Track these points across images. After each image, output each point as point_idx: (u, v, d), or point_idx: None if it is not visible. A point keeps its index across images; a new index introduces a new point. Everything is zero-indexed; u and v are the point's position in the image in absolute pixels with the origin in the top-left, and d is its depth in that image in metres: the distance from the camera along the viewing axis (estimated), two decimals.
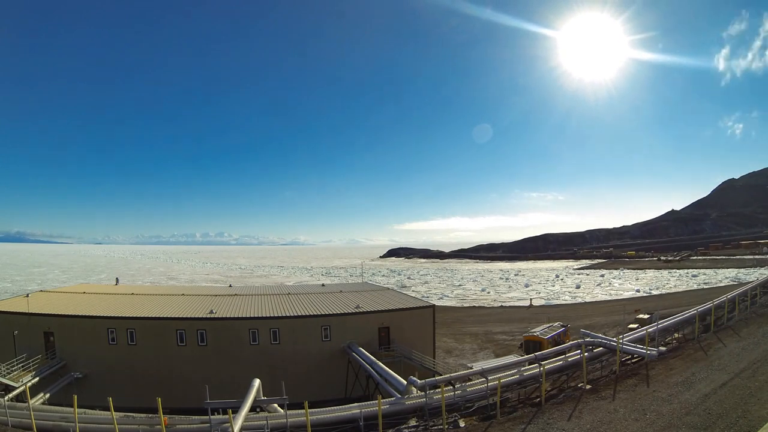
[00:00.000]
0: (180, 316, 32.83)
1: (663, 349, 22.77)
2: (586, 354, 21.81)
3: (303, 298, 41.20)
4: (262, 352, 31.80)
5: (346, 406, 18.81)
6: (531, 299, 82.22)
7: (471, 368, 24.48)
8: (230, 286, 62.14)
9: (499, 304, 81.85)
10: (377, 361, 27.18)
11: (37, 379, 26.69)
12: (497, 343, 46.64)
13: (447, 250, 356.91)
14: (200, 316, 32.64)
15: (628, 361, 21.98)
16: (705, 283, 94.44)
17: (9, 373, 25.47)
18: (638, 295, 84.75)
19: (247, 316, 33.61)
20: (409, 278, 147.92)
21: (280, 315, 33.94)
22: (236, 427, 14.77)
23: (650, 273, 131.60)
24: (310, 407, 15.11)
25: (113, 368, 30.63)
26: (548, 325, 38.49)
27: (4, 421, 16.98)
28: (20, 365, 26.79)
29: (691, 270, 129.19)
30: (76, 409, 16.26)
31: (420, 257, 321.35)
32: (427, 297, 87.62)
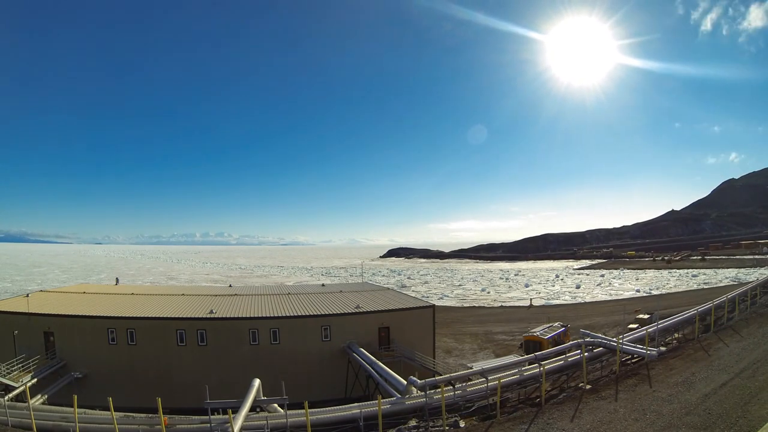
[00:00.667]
0: (180, 316, 32.82)
1: (663, 349, 22.78)
2: (586, 354, 21.81)
3: (303, 298, 41.20)
4: (262, 352, 31.80)
5: (346, 406, 18.80)
6: (531, 299, 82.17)
7: (471, 368, 24.45)
8: (230, 286, 62.15)
9: (499, 304, 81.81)
10: (377, 361, 27.18)
11: (36, 379, 26.70)
12: (497, 343, 46.62)
13: (447, 250, 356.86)
14: (200, 316, 32.64)
15: (628, 361, 21.99)
16: (705, 283, 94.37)
17: (9, 373, 25.46)
18: (638, 295, 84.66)
19: (247, 316, 33.60)
20: (409, 278, 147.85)
21: (280, 315, 33.94)
22: (236, 427, 14.77)
23: (650, 273, 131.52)
24: (310, 407, 15.11)
25: (113, 368, 30.62)
26: (548, 325, 38.46)
27: (4, 421, 16.98)
28: (20, 365, 26.79)
29: (691, 270, 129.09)
30: (76, 409, 16.26)
31: (420, 257, 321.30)
32: (427, 297, 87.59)
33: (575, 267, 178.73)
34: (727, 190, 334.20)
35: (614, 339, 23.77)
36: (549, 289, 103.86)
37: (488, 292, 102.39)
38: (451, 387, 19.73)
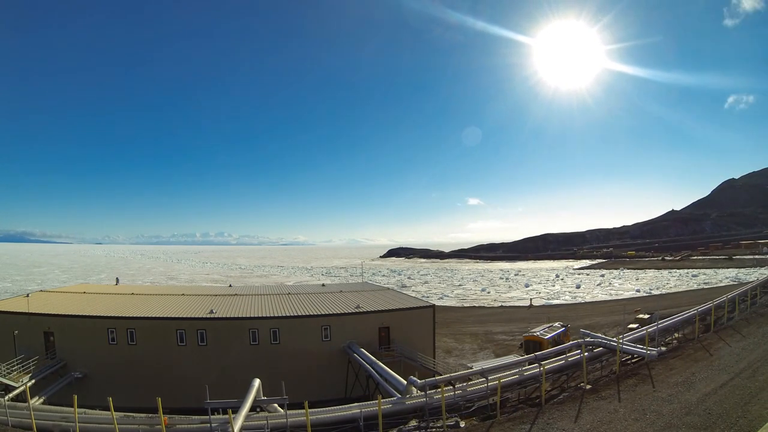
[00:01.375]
0: (180, 316, 32.82)
1: (663, 349, 22.79)
2: (586, 354, 21.81)
3: (303, 298, 41.20)
4: (262, 352, 31.79)
5: (346, 406, 18.79)
6: (531, 299, 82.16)
7: (471, 368, 24.45)
8: (230, 286, 62.14)
9: (499, 304, 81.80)
10: (377, 361, 27.18)
11: (36, 378, 26.70)
12: (497, 343, 46.62)
13: (447, 250, 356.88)
14: (200, 316, 32.63)
15: (628, 361, 22.00)
16: (705, 283, 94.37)
17: (9, 373, 25.47)
18: (638, 295, 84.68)
19: (247, 316, 33.59)
20: (409, 278, 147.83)
21: (280, 315, 33.93)
22: (236, 427, 14.77)
23: (650, 273, 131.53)
24: (310, 407, 15.10)
25: (113, 368, 30.61)
26: (548, 325, 38.46)
27: (4, 421, 16.98)
28: (20, 365, 26.79)
29: (691, 270, 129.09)
30: (76, 409, 16.26)
31: (420, 257, 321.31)
32: (427, 297, 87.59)
33: (575, 267, 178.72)
34: (727, 190, 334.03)
35: (614, 339, 23.77)
36: (549, 289, 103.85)
37: (488, 292, 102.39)
38: (451, 387, 19.72)
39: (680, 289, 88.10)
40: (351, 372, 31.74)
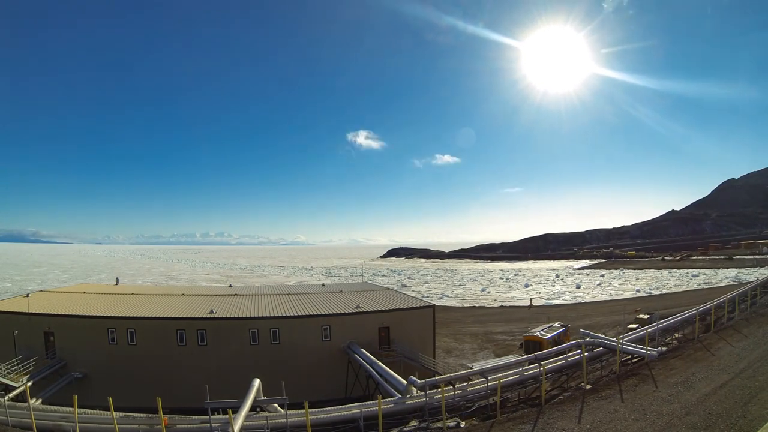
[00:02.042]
0: (180, 316, 32.83)
1: (663, 349, 22.78)
2: (586, 354, 21.79)
3: (303, 298, 41.20)
4: (262, 352, 31.79)
5: (346, 406, 18.77)
6: (531, 299, 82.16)
7: (471, 368, 24.45)
8: (230, 286, 62.12)
9: (499, 304, 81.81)
10: (377, 361, 27.18)
11: (36, 379, 26.69)
12: (497, 343, 46.62)
13: (447, 250, 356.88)
14: (200, 316, 32.64)
15: (629, 361, 21.98)
16: (705, 283, 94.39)
17: (9, 373, 25.47)
18: (638, 295, 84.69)
19: (247, 316, 33.60)
20: (409, 278, 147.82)
21: (280, 315, 33.94)
22: (236, 427, 14.76)
23: (650, 273, 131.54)
24: (310, 407, 15.09)
25: (113, 368, 30.61)
26: (548, 325, 38.47)
27: (4, 421, 16.97)
28: (20, 365, 26.79)
29: (691, 270, 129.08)
30: (76, 409, 16.25)
31: (420, 257, 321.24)
32: (428, 297, 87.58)
33: (575, 267, 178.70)
34: (727, 190, 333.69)
35: (614, 339, 23.76)
36: (549, 289, 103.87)
37: (488, 292, 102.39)
38: (452, 387, 19.70)
39: (680, 289, 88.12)
40: (351, 372, 31.74)
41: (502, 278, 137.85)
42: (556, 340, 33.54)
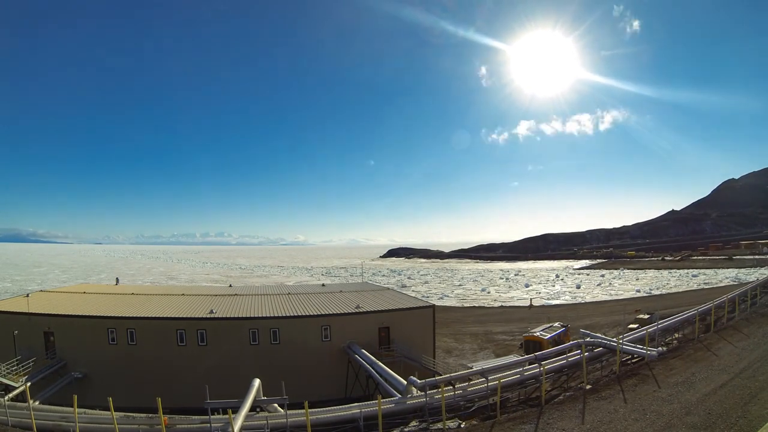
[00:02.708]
0: (180, 316, 32.82)
1: (663, 349, 22.77)
2: (586, 354, 21.79)
3: (303, 298, 41.19)
4: (262, 352, 31.79)
5: (346, 406, 18.78)
6: (531, 299, 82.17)
7: (471, 368, 24.45)
8: (230, 286, 62.12)
9: (499, 304, 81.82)
10: (377, 361, 27.17)
11: (36, 379, 26.69)
12: (497, 343, 46.62)
13: (447, 250, 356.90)
14: (200, 316, 32.64)
15: (629, 361, 21.98)
16: (705, 283, 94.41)
17: (9, 373, 25.46)
18: (638, 295, 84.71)
19: (247, 316, 33.60)
20: (409, 278, 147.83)
21: (280, 315, 33.93)
22: (236, 427, 14.76)
23: (650, 273, 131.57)
24: (310, 407, 15.09)
25: (113, 368, 30.61)
26: (548, 325, 38.47)
27: (4, 421, 16.97)
28: (20, 365, 26.79)
29: (691, 270, 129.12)
30: (76, 409, 16.25)
31: (420, 257, 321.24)
32: (428, 297, 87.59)
33: (575, 267, 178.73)
34: (727, 190, 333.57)
35: (614, 339, 23.75)
36: (549, 289, 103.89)
37: (488, 292, 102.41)
38: (452, 387, 19.69)
39: (680, 289, 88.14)
40: (351, 372, 31.74)
41: (502, 278, 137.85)
42: (556, 340, 33.53)
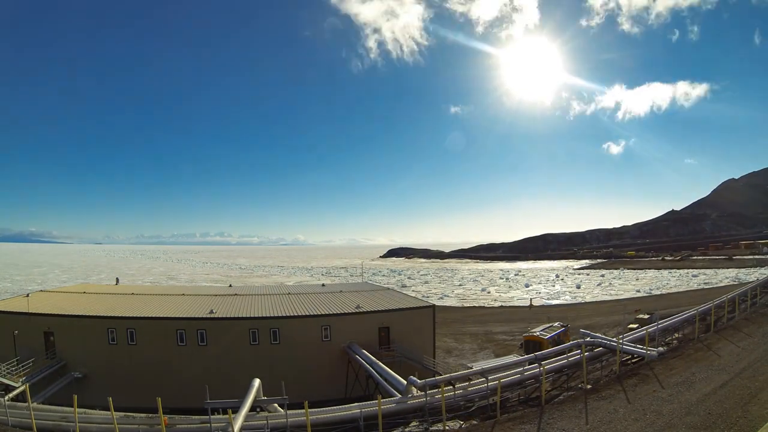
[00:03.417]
0: (180, 316, 32.82)
1: (663, 349, 22.78)
2: (586, 354, 21.79)
3: (303, 298, 41.18)
4: (262, 352, 31.78)
5: (346, 406, 18.77)
6: (531, 299, 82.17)
7: (471, 368, 24.44)
8: (230, 286, 62.13)
9: (499, 304, 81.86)
10: (377, 361, 27.17)
11: (36, 379, 26.69)
12: (497, 343, 46.63)
13: (447, 250, 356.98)
14: (200, 316, 32.63)
15: (629, 361, 21.99)
16: (705, 283, 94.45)
17: (9, 373, 25.46)
18: (638, 295, 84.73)
19: (247, 316, 33.59)
20: (409, 278, 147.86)
21: (280, 315, 33.94)
22: (236, 427, 14.75)
23: (650, 273, 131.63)
24: (310, 407, 15.09)
25: (113, 368, 30.60)
26: (548, 325, 38.48)
27: (4, 421, 16.97)
28: (20, 365, 26.78)
29: (691, 270, 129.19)
30: (76, 409, 16.25)
31: (420, 257, 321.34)
32: (428, 297, 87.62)
33: (575, 267, 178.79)
34: (727, 190, 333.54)
35: (614, 339, 23.75)
36: (549, 289, 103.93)
37: (488, 292, 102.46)
38: (452, 387, 19.69)
39: (680, 289, 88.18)
40: (351, 372, 31.73)
41: (502, 278, 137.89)
42: (556, 340, 33.55)
